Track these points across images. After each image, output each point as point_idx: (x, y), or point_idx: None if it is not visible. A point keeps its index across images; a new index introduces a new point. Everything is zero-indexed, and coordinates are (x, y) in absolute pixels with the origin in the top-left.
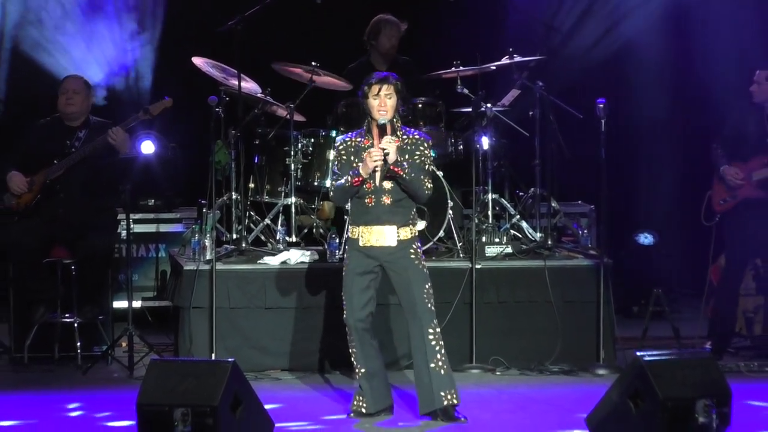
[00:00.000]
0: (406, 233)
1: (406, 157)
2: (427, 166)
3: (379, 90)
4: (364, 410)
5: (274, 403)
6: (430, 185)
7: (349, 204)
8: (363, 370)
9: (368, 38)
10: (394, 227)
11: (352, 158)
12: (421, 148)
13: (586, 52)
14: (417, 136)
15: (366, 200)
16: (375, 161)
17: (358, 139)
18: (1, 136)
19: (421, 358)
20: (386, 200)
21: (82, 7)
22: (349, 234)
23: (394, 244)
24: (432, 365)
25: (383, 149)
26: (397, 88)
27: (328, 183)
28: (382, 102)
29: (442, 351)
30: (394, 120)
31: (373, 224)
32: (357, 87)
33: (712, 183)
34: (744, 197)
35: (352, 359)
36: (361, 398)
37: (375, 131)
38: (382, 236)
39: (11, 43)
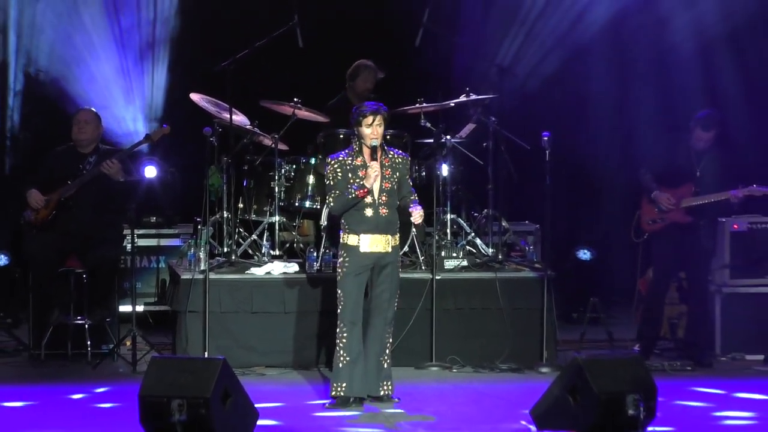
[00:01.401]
0: (395, 241)
1: (397, 175)
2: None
3: (373, 120)
4: (343, 393)
5: (261, 395)
6: (414, 196)
7: (344, 216)
8: (348, 359)
9: (348, 78)
10: (389, 236)
11: (348, 176)
12: (407, 165)
13: (534, 90)
14: (402, 156)
15: (365, 212)
16: (376, 172)
17: (349, 160)
18: (27, 161)
19: (374, 350)
20: (383, 212)
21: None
22: (347, 241)
23: (389, 250)
24: (381, 359)
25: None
26: (385, 117)
27: (308, 204)
28: (375, 130)
29: (390, 349)
30: (382, 143)
31: (373, 233)
32: (335, 120)
33: (640, 203)
34: (672, 221)
35: (338, 349)
36: (341, 384)
37: (367, 152)
38: (380, 243)
39: (34, 79)
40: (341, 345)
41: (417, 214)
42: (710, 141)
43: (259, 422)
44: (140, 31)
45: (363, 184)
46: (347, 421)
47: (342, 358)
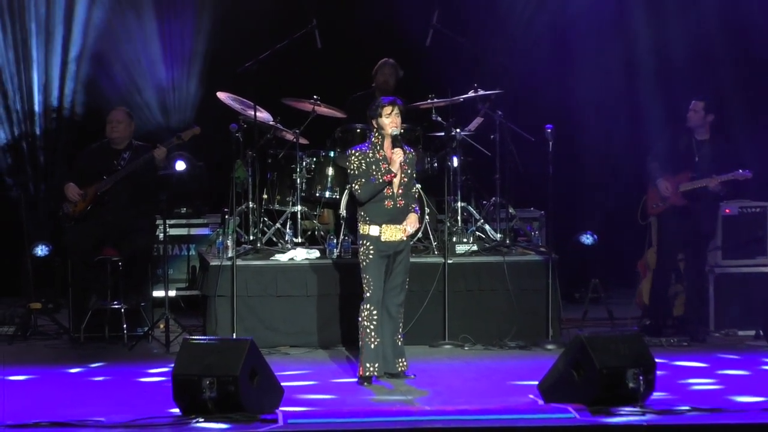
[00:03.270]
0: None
1: (410, 169)
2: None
3: (391, 111)
4: (376, 374)
5: (288, 379)
6: (416, 189)
7: (363, 208)
8: (379, 340)
9: (373, 75)
10: (403, 224)
11: (372, 168)
12: (415, 161)
13: (538, 83)
14: (411, 152)
15: (385, 203)
16: (401, 158)
17: (370, 153)
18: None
19: (390, 330)
20: (400, 203)
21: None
22: (369, 232)
23: (405, 237)
24: (395, 338)
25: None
26: (401, 109)
27: (327, 194)
28: (393, 119)
29: (402, 328)
30: (400, 132)
31: (393, 223)
32: (356, 111)
33: (647, 190)
34: (671, 204)
35: (368, 331)
36: (373, 364)
37: (386, 145)
38: (398, 233)
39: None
40: (372, 327)
41: (411, 223)
42: (700, 112)
43: (287, 400)
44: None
45: (390, 169)
46: (368, 399)
47: (373, 340)
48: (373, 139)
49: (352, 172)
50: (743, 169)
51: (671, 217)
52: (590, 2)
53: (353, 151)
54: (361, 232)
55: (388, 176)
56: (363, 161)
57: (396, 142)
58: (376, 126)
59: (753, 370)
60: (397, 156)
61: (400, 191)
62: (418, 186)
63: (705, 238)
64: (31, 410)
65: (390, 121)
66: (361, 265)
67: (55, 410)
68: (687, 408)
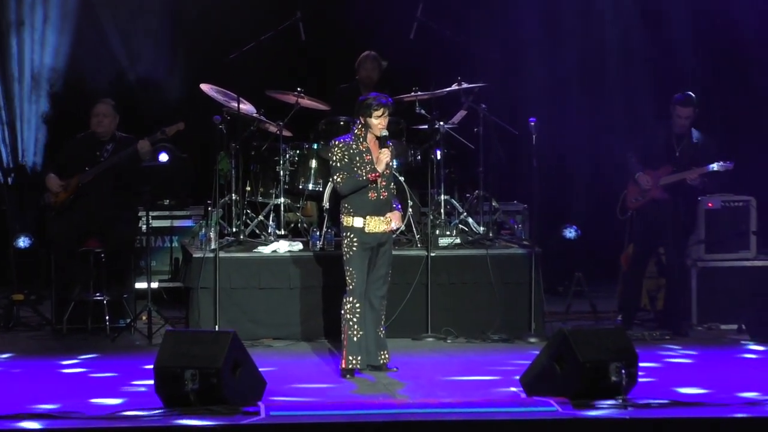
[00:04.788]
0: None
1: (393, 163)
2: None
3: (382, 112)
4: (359, 366)
5: (268, 365)
6: (393, 186)
7: (346, 199)
8: (362, 333)
9: (356, 68)
10: (386, 216)
11: (356, 160)
12: (394, 154)
13: (521, 76)
14: (391, 146)
15: (369, 195)
16: (388, 158)
17: (354, 145)
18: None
19: (373, 322)
20: (383, 195)
21: None
22: (352, 224)
23: (387, 230)
24: (377, 330)
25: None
26: (391, 110)
27: (311, 186)
28: (382, 121)
29: (384, 320)
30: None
31: (377, 214)
32: (342, 103)
33: (627, 185)
34: (652, 197)
35: (351, 324)
36: (356, 357)
37: (371, 139)
38: (381, 224)
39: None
40: (355, 320)
41: (395, 220)
42: (690, 118)
43: (270, 392)
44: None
45: (374, 168)
46: (350, 391)
47: (356, 332)
48: (356, 131)
49: (334, 164)
50: (724, 161)
51: (651, 210)
52: None
53: (336, 143)
54: (345, 224)
55: (373, 175)
56: (346, 153)
57: (383, 142)
58: (362, 121)
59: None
60: (384, 156)
61: (383, 183)
62: (401, 179)
63: (685, 231)
64: (12, 401)
65: (378, 122)
66: (344, 258)
67: (37, 401)
68: (668, 402)
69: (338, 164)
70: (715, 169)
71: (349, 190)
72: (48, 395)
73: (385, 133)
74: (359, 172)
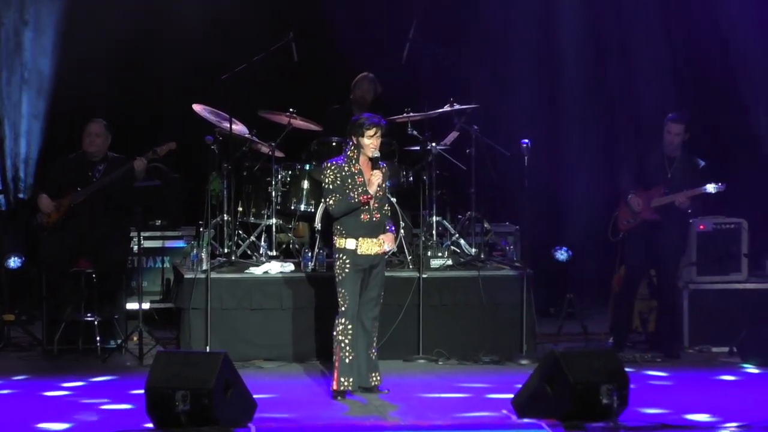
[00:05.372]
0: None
1: (385, 183)
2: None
3: (374, 133)
4: (351, 388)
5: (260, 387)
6: (387, 207)
7: (339, 221)
8: (353, 354)
9: (351, 88)
10: (379, 238)
11: (348, 182)
12: (388, 175)
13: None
14: (384, 167)
15: (362, 216)
16: (379, 180)
17: (345, 167)
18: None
19: (364, 344)
20: (376, 216)
21: None
22: (345, 245)
23: (380, 252)
24: (369, 352)
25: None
26: (383, 130)
27: (302, 207)
28: (374, 142)
29: (376, 342)
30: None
31: (369, 236)
32: (334, 124)
33: (618, 206)
34: (643, 219)
35: (343, 345)
36: (347, 378)
37: (363, 160)
38: (374, 246)
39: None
40: (347, 342)
41: (388, 242)
42: (680, 135)
43: (261, 414)
44: None
45: (367, 190)
46: (342, 413)
47: (348, 354)
48: (348, 153)
49: (326, 186)
50: (716, 182)
51: (642, 232)
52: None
53: (329, 164)
54: (337, 245)
55: (365, 197)
56: (338, 175)
57: (375, 163)
58: (354, 142)
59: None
60: (376, 178)
61: (376, 205)
62: (393, 200)
63: (676, 253)
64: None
65: (371, 142)
66: (337, 279)
67: (25, 422)
68: (659, 424)
69: (330, 186)
70: (708, 190)
71: (341, 212)
72: (36, 416)
73: (377, 154)
74: (351, 194)
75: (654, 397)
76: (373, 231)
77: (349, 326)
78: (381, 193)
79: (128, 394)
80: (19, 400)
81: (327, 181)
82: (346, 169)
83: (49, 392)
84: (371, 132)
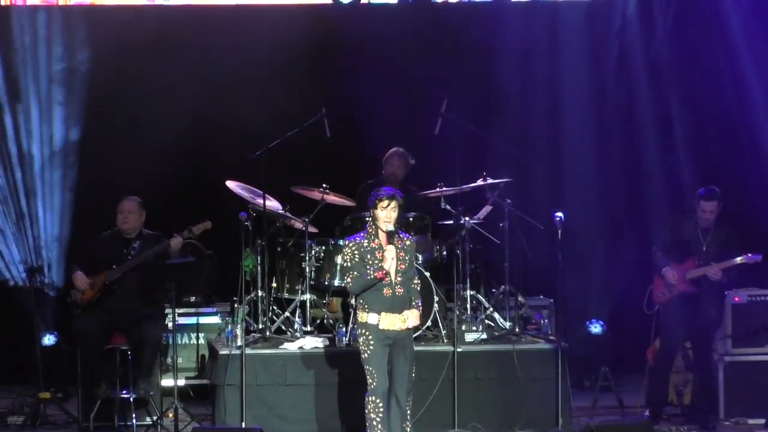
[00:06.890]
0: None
1: (408, 257)
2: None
3: (388, 205)
4: None
5: None
6: (417, 281)
7: (361, 296)
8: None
9: (383, 163)
10: (404, 313)
11: (367, 257)
12: (414, 248)
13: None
14: (410, 239)
15: (384, 291)
16: (392, 255)
17: (365, 243)
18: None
19: (398, 418)
20: (399, 291)
21: None
22: (367, 320)
23: (404, 328)
24: (404, 425)
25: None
26: (399, 203)
27: (336, 282)
28: (388, 214)
29: (409, 415)
30: (395, 226)
31: (392, 311)
32: (365, 200)
33: (653, 279)
34: (679, 291)
35: (375, 423)
36: None
37: (382, 235)
38: (397, 321)
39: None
40: (378, 419)
41: (412, 318)
42: (714, 212)
43: None
44: None
45: (381, 266)
46: None
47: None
48: (369, 228)
49: (345, 264)
50: (750, 254)
51: (677, 304)
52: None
53: (347, 242)
54: (360, 320)
55: (380, 273)
56: (356, 252)
57: (390, 237)
58: (372, 215)
59: None
60: (389, 254)
61: (399, 279)
62: (427, 274)
63: (712, 325)
64: None
65: (385, 215)
66: (363, 357)
67: None
68: None
69: (348, 264)
70: (738, 262)
71: (359, 289)
72: None
73: (390, 228)
74: (370, 270)
75: None
76: (396, 306)
77: (380, 403)
78: (404, 266)
79: None
80: None
81: (345, 259)
82: (365, 244)
83: None
84: (384, 204)
